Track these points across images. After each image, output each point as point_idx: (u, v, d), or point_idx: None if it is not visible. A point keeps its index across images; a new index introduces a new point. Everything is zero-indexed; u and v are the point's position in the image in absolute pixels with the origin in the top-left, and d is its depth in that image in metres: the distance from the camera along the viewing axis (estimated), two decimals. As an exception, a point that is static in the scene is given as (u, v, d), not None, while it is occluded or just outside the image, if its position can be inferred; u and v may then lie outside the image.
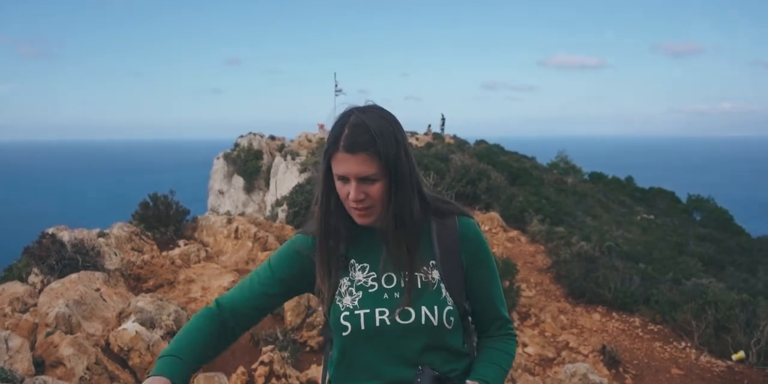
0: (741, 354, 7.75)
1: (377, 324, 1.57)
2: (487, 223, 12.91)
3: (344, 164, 1.52)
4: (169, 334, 5.18)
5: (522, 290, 9.39)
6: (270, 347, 5.32)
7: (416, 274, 1.60)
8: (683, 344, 8.31)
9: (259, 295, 1.67)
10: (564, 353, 7.63)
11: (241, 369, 5.05)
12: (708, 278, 10.66)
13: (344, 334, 1.59)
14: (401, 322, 1.56)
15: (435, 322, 1.56)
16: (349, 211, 1.59)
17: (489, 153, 23.37)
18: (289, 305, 6.03)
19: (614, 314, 9.31)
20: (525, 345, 7.65)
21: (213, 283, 6.67)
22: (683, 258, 13.72)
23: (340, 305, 1.61)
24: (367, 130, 1.51)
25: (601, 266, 10.18)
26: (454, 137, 31.97)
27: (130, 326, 5.00)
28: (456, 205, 1.74)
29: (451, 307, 1.59)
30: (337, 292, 1.63)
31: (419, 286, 1.59)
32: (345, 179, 1.54)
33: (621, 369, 7.49)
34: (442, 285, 1.60)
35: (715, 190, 36.02)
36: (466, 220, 1.69)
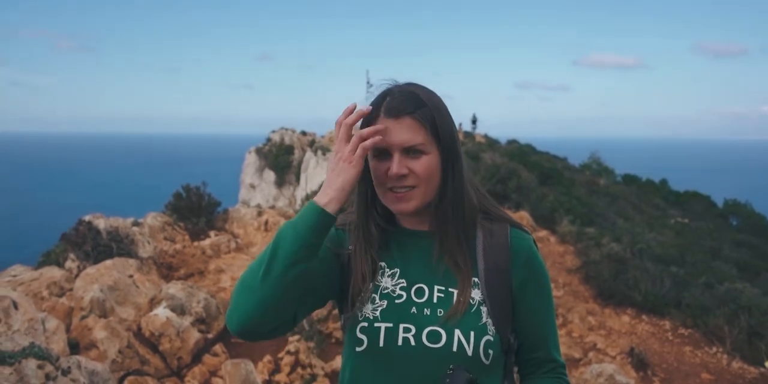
0: (774, 361, 7.57)
1: (399, 342, 1.27)
2: (517, 222, 12.84)
3: (384, 133, 1.25)
4: (199, 320, 5.28)
5: (550, 290, 9.35)
6: (296, 337, 5.38)
7: (451, 289, 1.30)
8: (714, 349, 8.14)
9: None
10: (591, 354, 7.54)
11: (267, 357, 5.13)
12: (742, 283, 10.42)
13: (358, 349, 1.30)
14: (428, 344, 1.26)
15: (469, 352, 1.25)
16: (383, 198, 1.30)
17: (520, 152, 23.19)
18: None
19: (644, 317, 9.17)
20: (551, 344, 7.59)
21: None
22: (717, 262, 13.42)
23: (359, 314, 1.32)
24: (414, 95, 1.28)
25: (631, 268, 10.03)
26: (486, 136, 31.83)
27: (162, 312, 5.12)
28: (507, 214, 1.40)
29: (492, 338, 1.28)
30: (358, 299, 1.33)
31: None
32: (384, 154, 1.27)
33: (649, 372, 7.38)
34: (483, 308, 1.29)
35: (753, 194, 35.11)
36: (520, 234, 1.35)
